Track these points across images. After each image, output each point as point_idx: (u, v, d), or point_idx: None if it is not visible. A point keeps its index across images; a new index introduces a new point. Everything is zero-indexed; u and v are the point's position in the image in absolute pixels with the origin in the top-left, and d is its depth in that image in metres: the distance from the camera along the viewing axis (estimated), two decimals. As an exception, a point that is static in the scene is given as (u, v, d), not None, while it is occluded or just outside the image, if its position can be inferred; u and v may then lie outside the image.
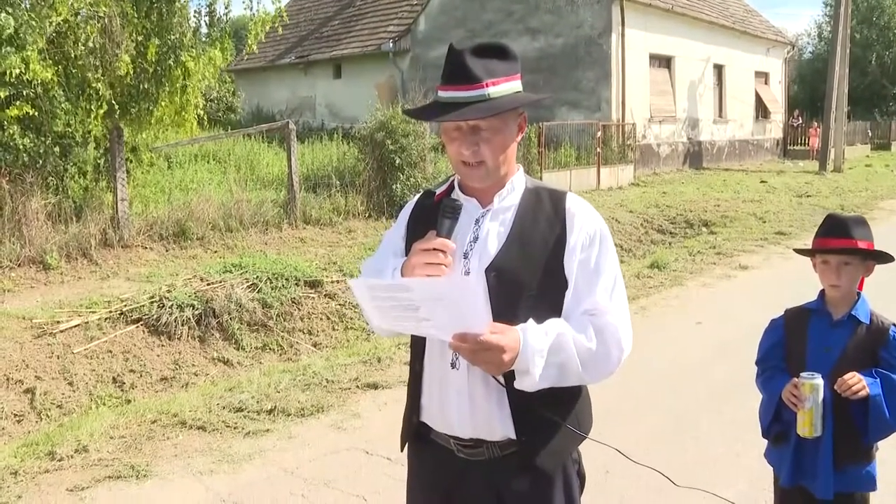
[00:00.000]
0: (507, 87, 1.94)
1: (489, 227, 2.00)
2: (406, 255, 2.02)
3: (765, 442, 2.89)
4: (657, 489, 3.98)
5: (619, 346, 1.92)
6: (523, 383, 1.85)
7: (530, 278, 1.95)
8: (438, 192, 2.11)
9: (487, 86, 1.90)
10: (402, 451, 2.23)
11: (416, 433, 2.13)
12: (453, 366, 1.98)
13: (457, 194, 2.07)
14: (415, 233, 2.04)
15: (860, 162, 28.02)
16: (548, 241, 1.97)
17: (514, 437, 1.97)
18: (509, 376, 1.87)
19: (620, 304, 1.97)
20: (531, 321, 1.86)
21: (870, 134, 35.01)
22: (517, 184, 2.06)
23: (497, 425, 1.97)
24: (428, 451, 2.12)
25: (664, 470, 2.42)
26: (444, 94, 1.94)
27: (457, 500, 2.07)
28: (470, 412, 1.98)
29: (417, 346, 2.10)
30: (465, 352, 1.80)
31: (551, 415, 1.97)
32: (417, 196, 2.22)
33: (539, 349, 1.82)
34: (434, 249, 1.87)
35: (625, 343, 1.94)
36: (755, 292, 8.69)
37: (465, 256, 1.98)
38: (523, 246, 1.97)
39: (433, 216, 1.95)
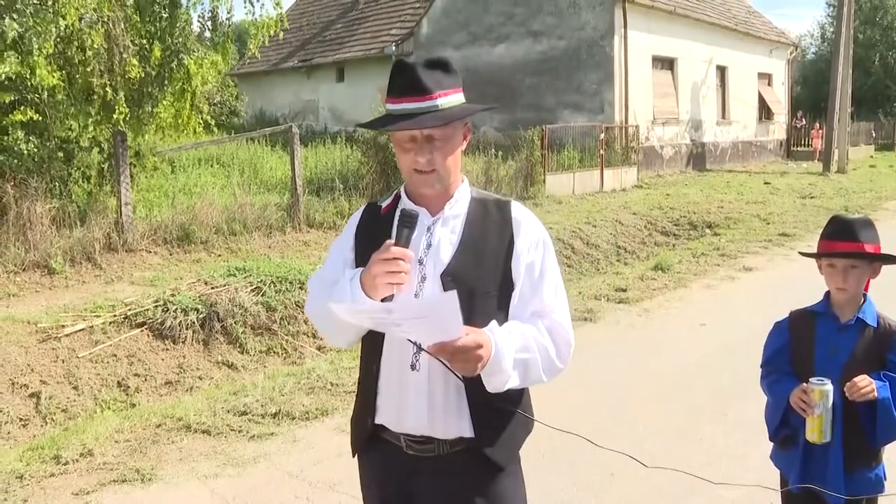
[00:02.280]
0: (454, 98, 2.05)
1: (441, 235, 2.10)
2: (356, 266, 2.11)
3: (769, 444, 2.88)
4: (662, 492, 3.98)
5: (568, 343, 2.06)
6: (494, 382, 1.93)
7: (482, 282, 2.05)
8: (384, 204, 2.20)
9: (438, 97, 2.00)
10: (353, 456, 2.28)
11: (370, 436, 2.17)
12: (413, 367, 2.04)
13: (405, 204, 2.15)
14: (363, 244, 2.12)
15: (864, 163, 27.99)
16: (497, 245, 2.09)
17: (469, 434, 2.05)
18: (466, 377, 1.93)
19: (563, 303, 2.11)
20: (493, 322, 1.95)
21: (873, 134, 34.95)
22: (463, 193, 2.17)
23: (453, 424, 2.04)
24: (378, 451, 2.17)
25: (672, 472, 2.41)
26: (396, 107, 2.03)
27: (408, 495, 2.13)
28: (428, 412, 2.04)
29: (374, 347, 2.13)
30: (444, 357, 1.86)
31: (506, 405, 2.07)
32: (363, 208, 2.30)
33: (508, 346, 1.91)
34: (393, 258, 1.93)
35: (571, 338, 2.08)
36: (759, 294, 8.68)
37: (421, 262, 2.06)
38: (475, 251, 2.07)
39: (380, 227, 2.09)
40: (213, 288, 7.61)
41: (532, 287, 2.08)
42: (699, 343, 6.94)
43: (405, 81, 2.01)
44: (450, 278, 2.02)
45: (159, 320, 7.03)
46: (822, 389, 2.49)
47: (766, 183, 19.89)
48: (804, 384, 2.56)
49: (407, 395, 2.05)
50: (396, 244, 1.95)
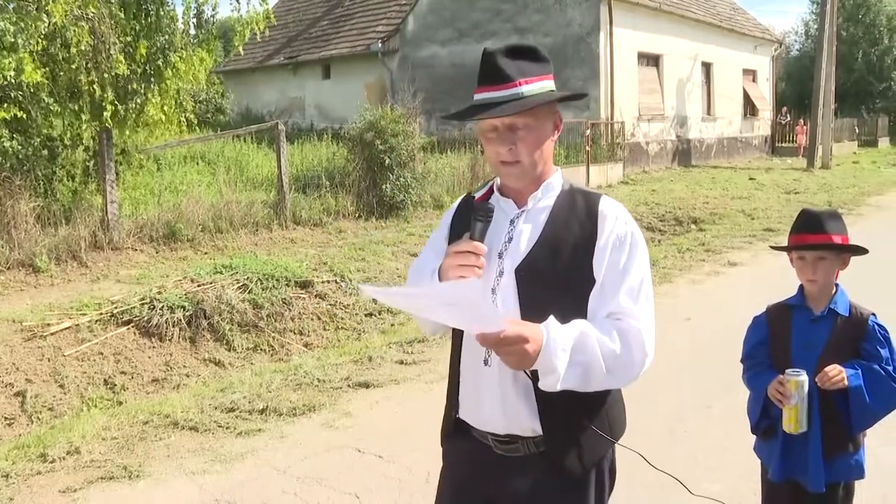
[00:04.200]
0: (539, 85, 1.98)
1: (523, 228, 2.03)
2: None
3: (753, 437, 2.92)
4: (645, 484, 4.01)
5: (643, 350, 1.92)
6: (548, 381, 1.83)
7: (558, 279, 1.96)
8: (479, 194, 2.15)
9: (520, 84, 1.94)
10: (441, 445, 2.24)
11: (455, 428, 2.15)
12: (486, 363, 2.01)
13: (495, 196, 2.11)
14: (456, 234, 2.09)
15: (847, 158, 28.18)
16: (578, 242, 1.98)
17: (542, 433, 1.99)
18: (536, 372, 1.87)
19: (645, 308, 1.96)
20: (551, 318, 1.85)
21: (857, 130, 35.19)
22: (554, 185, 2.08)
23: (526, 422, 1.99)
24: (466, 447, 2.13)
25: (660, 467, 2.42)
26: (479, 96, 1.99)
27: (493, 496, 2.09)
28: (501, 408, 2.00)
29: (455, 340, 2.13)
30: (489, 348, 1.84)
31: (578, 415, 1.98)
32: (460, 199, 2.26)
33: (562, 343, 1.81)
34: (466, 252, 1.91)
35: (648, 348, 1.93)
36: (744, 288, 8.75)
37: (500, 256, 2.01)
38: (553, 247, 1.98)
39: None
40: (199, 285, 7.61)
41: (612, 287, 1.94)
42: (684, 337, 6.98)
43: (486, 70, 1.97)
44: (523, 273, 1.96)
45: (146, 318, 7.02)
46: (797, 380, 2.54)
47: (750, 178, 20.01)
48: (780, 376, 2.61)
49: (481, 391, 2.03)
50: (470, 238, 1.93)
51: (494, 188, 2.14)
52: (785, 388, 2.56)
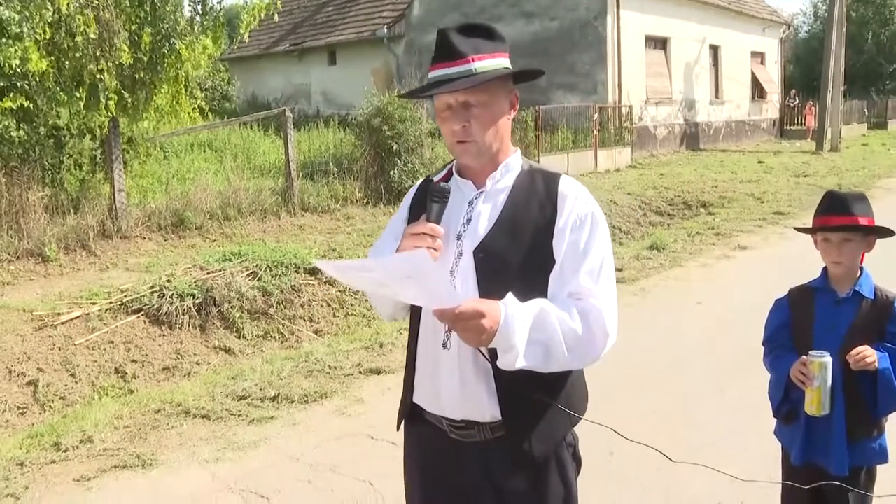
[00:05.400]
0: (493, 62, 1.96)
1: (482, 209, 2.02)
2: None
3: (769, 420, 2.90)
4: (660, 468, 4.00)
5: (604, 331, 1.90)
6: (507, 359, 1.81)
7: (518, 259, 1.95)
8: (437, 177, 2.13)
9: (473, 60, 1.93)
10: (397, 430, 2.25)
11: (411, 413, 2.15)
12: (444, 346, 2.00)
13: (454, 178, 2.09)
14: (415, 217, 2.07)
15: (857, 141, 28.02)
16: (538, 222, 1.97)
17: (500, 418, 1.97)
18: (495, 354, 1.86)
19: (606, 288, 1.94)
20: (510, 295, 1.83)
21: (866, 113, 34.98)
22: (513, 165, 2.06)
23: (486, 406, 1.97)
24: (422, 432, 2.13)
25: (667, 450, 2.41)
26: (433, 74, 1.99)
27: (448, 481, 2.08)
28: (460, 392, 1.98)
29: (413, 325, 2.12)
30: (446, 324, 1.82)
31: (540, 395, 1.96)
32: (420, 182, 2.25)
33: (521, 319, 1.79)
34: (423, 234, 1.90)
35: (609, 328, 1.91)
36: (754, 272, 8.71)
37: (459, 238, 2.00)
38: (513, 227, 1.97)
39: None
40: (208, 273, 7.60)
41: (571, 267, 1.93)
42: (695, 321, 6.96)
43: (440, 47, 1.97)
44: (482, 254, 1.95)
45: (155, 306, 7.02)
46: (820, 362, 2.51)
47: (759, 162, 19.90)
48: (804, 357, 2.58)
49: (440, 374, 2.01)
50: (426, 220, 1.93)
51: (453, 170, 2.12)
52: (808, 369, 2.53)
